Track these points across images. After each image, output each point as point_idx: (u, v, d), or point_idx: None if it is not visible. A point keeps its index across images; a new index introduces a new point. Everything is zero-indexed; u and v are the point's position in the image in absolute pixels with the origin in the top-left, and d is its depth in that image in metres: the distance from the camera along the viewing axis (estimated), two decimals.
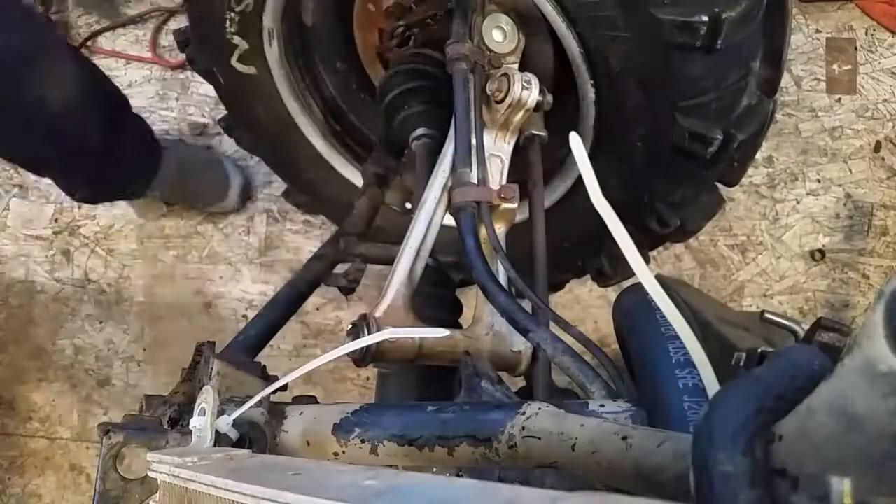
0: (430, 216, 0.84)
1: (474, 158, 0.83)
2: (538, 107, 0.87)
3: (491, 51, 0.92)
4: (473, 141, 0.83)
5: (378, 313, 0.76)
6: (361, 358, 0.73)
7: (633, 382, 0.63)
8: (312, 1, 1.14)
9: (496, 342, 0.80)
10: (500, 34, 0.93)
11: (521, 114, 0.87)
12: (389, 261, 0.85)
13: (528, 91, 0.85)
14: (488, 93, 0.88)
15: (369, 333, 0.71)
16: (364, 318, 0.74)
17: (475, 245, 0.76)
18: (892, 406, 0.22)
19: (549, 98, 0.89)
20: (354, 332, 0.73)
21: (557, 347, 0.66)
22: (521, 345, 0.81)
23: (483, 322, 0.81)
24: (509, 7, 0.94)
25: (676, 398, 0.52)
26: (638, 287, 0.46)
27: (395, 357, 0.76)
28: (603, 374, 0.63)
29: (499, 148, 0.90)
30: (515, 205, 0.84)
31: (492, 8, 0.93)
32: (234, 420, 0.53)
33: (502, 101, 0.86)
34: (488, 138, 0.89)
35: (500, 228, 0.85)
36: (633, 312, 0.67)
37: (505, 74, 0.87)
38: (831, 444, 0.25)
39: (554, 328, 0.70)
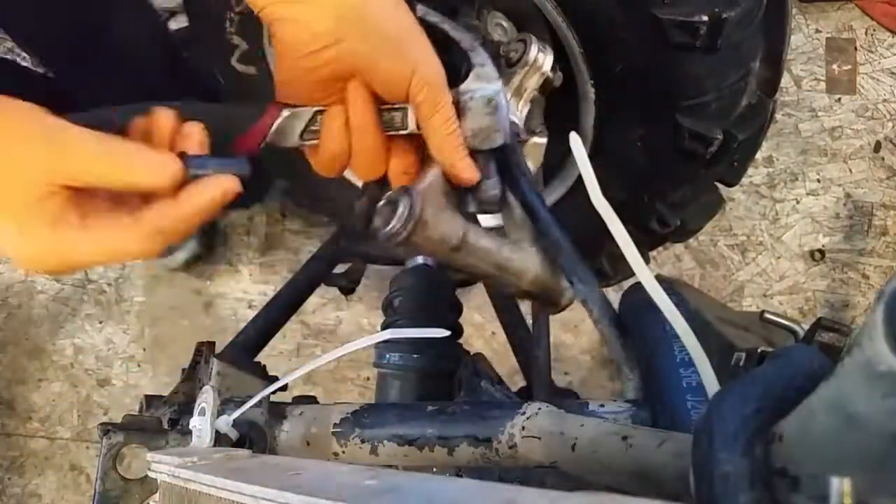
0: None
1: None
2: (548, 84, 0.85)
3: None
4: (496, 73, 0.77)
5: (421, 185, 0.61)
6: (398, 233, 0.56)
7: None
8: None
9: (545, 267, 0.66)
10: (500, 32, 0.93)
11: (535, 77, 0.85)
12: (389, 261, 0.85)
13: (544, 54, 0.84)
14: (503, 54, 0.86)
15: (408, 208, 0.57)
16: (406, 191, 0.58)
17: (521, 173, 0.66)
18: (892, 406, 0.22)
19: (560, 75, 0.88)
20: (393, 205, 0.57)
21: (605, 314, 0.60)
22: (567, 282, 0.67)
23: (527, 243, 0.67)
24: (509, 6, 0.94)
25: (680, 397, 0.52)
26: (639, 287, 0.46)
27: (434, 239, 0.60)
28: (603, 373, 0.62)
29: (512, 114, 0.88)
30: (545, 140, 0.80)
31: (491, 7, 0.93)
32: (233, 420, 0.53)
33: (518, 61, 0.84)
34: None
35: (531, 166, 0.80)
36: (637, 312, 0.67)
37: (522, 39, 0.85)
38: (831, 444, 0.25)
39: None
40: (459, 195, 0.64)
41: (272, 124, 0.59)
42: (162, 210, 0.49)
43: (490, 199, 0.64)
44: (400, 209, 0.54)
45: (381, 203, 0.58)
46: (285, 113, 0.59)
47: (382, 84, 0.56)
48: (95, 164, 0.46)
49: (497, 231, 0.67)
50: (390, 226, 0.55)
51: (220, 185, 0.51)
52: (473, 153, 0.62)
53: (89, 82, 1.15)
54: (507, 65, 0.85)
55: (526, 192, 0.64)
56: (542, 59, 0.83)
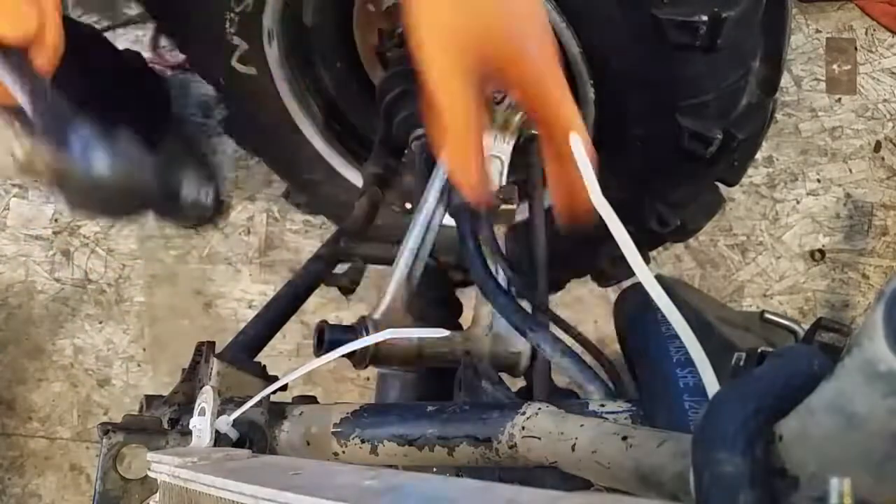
0: (429, 217, 0.84)
1: None
2: None
3: None
4: None
5: (377, 315, 0.76)
6: (360, 359, 0.73)
7: (634, 382, 0.63)
8: (312, 1, 1.14)
9: (496, 343, 0.80)
10: None
11: (519, 115, 0.88)
12: (389, 261, 0.85)
13: None
14: (487, 94, 0.88)
15: (367, 335, 0.71)
16: (363, 320, 0.74)
17: (474, 246, 0.76)
18: (892, 406, 0.22)
19: None
20: (322, 333, 0.73)
21: (556, 348, 0.66)
22: (520, 345, 0.81)
23: (482, 323, 0.82)
24: None
25: (678, 397, 0.52)
26: (639, 286, 0.46)
27: (395, 359, 0.76)
28: (602, 374, 0.63)
29: (499, 149, 0.90)
30: (515, 206, 0.84)
31: None
32: (233, 420, 0.53)
33: (501, 101, 0.86)
34: (487, 139, 0.89)
35: (499, 230, 0.85)
36: (635, 312, 0.67)
37: None
38: (831, 443, 0.25)
39: (553, 329, 0.70)
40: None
41: None
42: None
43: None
44: (360, 342, 0.61)
45: (316, 328, 0.74)
46: None
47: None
48: None
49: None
50: (355, 357, 0.72)
51: None
52: None
53: None
54: (495, 102, 0.86)
55: (475, 272, 0.75)
56: None
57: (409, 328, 0.76)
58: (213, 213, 1.65)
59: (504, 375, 0.72)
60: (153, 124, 1.57)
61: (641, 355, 0.63)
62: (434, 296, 0.90)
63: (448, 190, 0.84)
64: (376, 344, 0.72)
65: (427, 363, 0.79)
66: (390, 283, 0.79)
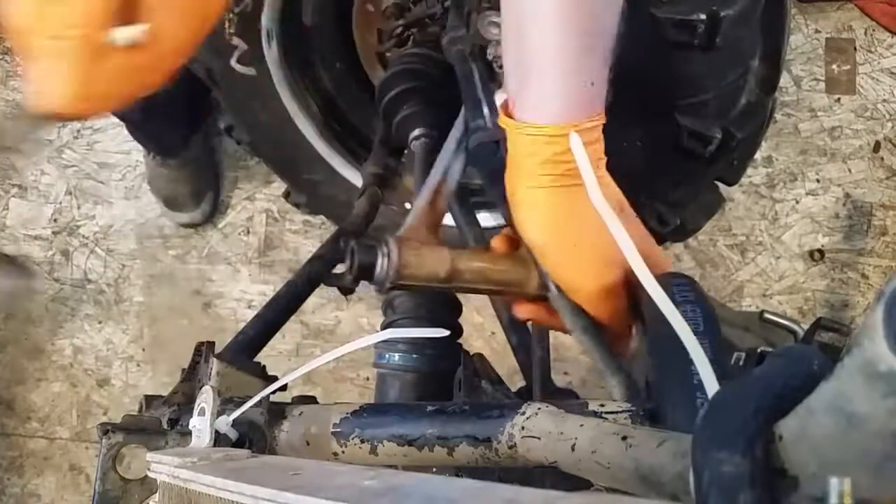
0: (449, 158, 0.76)
1: (486, 110, 0.80)
2: None
3: (487, 42, 0.92)
4: (482, 96, 0.79)
5: (400, 232, 0.65)
6: (382, 281, 0.60)
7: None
8: (312, 1, 1.14)
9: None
10: (495, 29, 0.93)
11: None
12: None
13: None
14: (490, 59, 0.87)
15: (386, 256, 0.59)
16: (384, 240, 0.61)
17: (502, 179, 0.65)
18: (892, 406, 0.22)
19: None
20: (353, 253, 0.60)
21: (577, 323, 0.61)
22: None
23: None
24: None
25: (691, 395, 0.52)
26: None
27: (423, 276, 0.62)
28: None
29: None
30: None
31: (487, 4, 0.93)
32: (233, 420, 0.53)
33: None
34: (499, 99, 0.87)
35: None
36: (648, 307, 0.66)
37: None
38: (831, 443, 0.25)
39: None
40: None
41: None
42: None
43: None
44: (379, 259, 0.56)
45: (361, 250, 0.60)
46: None
47: None
48: None
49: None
50: (375, 276, 0.58)
51: None
52: None
53: None
54: (499, 66, 0.85)
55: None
56: None
57: (410, 328, 0.76)
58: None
59: (504, 376, 0.72)
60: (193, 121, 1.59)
61: (654, 352, 0.62)
62: (433, 295, 0.90)
63: (467, 139, 0.76)
64: (401, 258, 0.59)
65: (461, 283, 0.64)
66: (416, 205, 0.69)
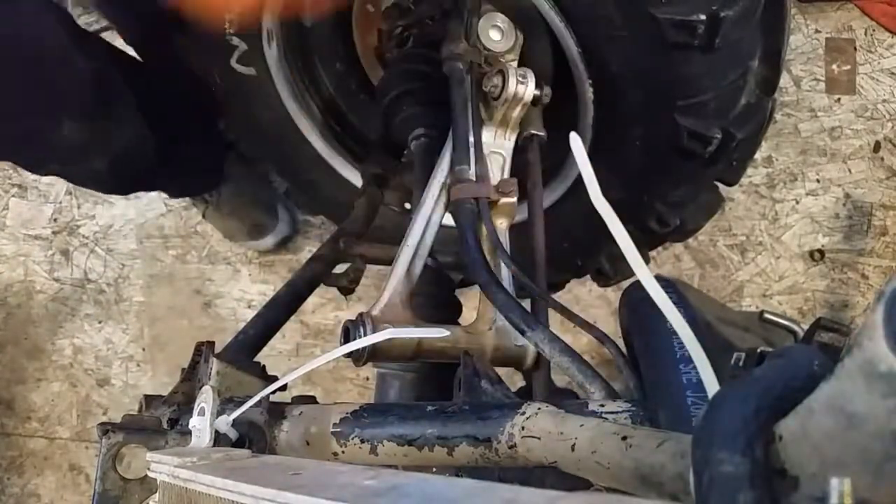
0: (428, 214, 0.83)
1: (472, 155, 0.82)
2: (536, 101, 0.87)
3: (488, 49, 0.92)
4: (471, 138, 0.83)
5: (375, 311, 0.75)
6: (359, 357, 0.72)
7: (638, 379, 0.63)
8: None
9: (499, 337, 0.79)
10: (497, 33, 0.93)
11: (518, 109, 0.87)
12: (389, 261, 0.85)
13: (524, 85, 0.85)
14: (485, 89, 0.88)
15: (365, 333, 0.70)
16: (361, 316, 0.73)
17: (474, 242, 0.76)
18: (892, 406, 0.22)
19: (548, 91, 0.88)
20: (347, 332, 0.72)
21: (555, 347, 0.66)
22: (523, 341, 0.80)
23: (486, 318, 0.80)
24: (507, 6, 0.94)
25: (680, 393, 0.52)
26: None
27: (394, 355, 0.75)
28: (602, 372, 0.62)
29: (499, 145, 0.90)
30: (515, 199, 0.84)
31: (488, 7, 0.93)
32: (233, 420, 0.53)
33: (499, 97, 0.86)
34: (488, 135, 0.89)
35: (502, 224, 0.84)
36: (639, 308, 0.67)
37: (500, 71, 0.86)
38: (831, 443, 0.25)
39: (555, 327, 0.70)
40: None
41: None
42: None
43: None
44: (361, 341, 0.61)
45: (343, 327, 0.73)
46: None
47: None
48: None
49: None
50: (352, 354, 0.69)
51: None
52: None
53: None
54: (492, 98, 0.86)
55: (474, 268, 0.74)
56: (522, 90, 0.85)
57: (410, 328, 0.76)
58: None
59: (504, 376, 0.72)
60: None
61: (645, 351, 0.62)
62: (433, 295, 0.90)
63: (448, 186, 0.83)
64: (369, 350, 0.71)
65: (427, 359, 0.77)
66: (390, 279, 0.78)
